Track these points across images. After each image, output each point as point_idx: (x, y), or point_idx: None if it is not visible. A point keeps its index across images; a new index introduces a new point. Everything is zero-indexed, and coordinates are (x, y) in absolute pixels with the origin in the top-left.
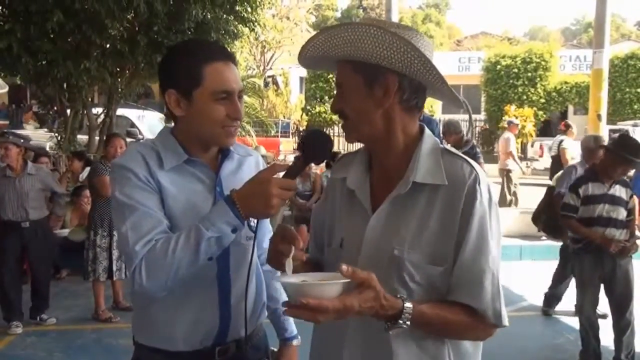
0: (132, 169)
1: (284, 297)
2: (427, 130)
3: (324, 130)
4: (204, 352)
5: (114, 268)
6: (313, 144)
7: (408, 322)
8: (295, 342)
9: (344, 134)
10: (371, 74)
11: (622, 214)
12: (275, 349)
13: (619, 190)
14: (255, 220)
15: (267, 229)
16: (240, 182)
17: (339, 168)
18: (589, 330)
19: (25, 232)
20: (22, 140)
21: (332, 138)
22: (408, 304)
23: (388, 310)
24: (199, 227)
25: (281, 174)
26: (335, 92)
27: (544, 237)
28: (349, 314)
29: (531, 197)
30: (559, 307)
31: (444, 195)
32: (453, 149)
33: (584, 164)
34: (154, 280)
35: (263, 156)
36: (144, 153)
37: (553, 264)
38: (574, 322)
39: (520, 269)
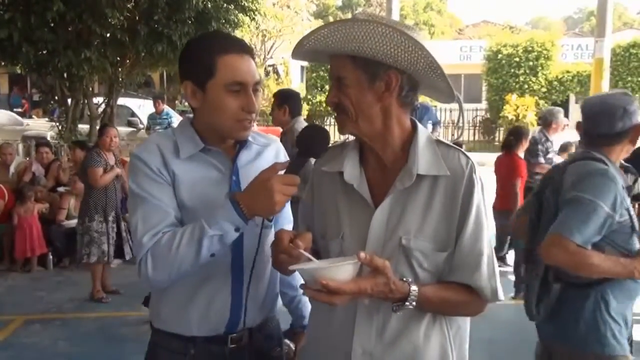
0: (145, 160)
1: (301, 282)
2: (419, 124)
3: (324, 119)
4: (217, 339)
5: (111, 252)
6: (308, 139)
7: (414, 303)
8: None
9: (338, 126)
10: (373, 70)
11: None
12: (291, 344)
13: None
14: None
15: (286, 218)
16: (258, 171)
17: (326, 161)
18: None
19: None
20: None
21: (330, 128)
22: (414, 287)
23: (396, 293)
24: (203, 225)
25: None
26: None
27: None
28: (362, 297)
29: None
30: None
31: (445, 185)
32: (445, 140)
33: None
34: (158, 273)
35: None
36: (160, 143)
37: None
38: None
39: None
